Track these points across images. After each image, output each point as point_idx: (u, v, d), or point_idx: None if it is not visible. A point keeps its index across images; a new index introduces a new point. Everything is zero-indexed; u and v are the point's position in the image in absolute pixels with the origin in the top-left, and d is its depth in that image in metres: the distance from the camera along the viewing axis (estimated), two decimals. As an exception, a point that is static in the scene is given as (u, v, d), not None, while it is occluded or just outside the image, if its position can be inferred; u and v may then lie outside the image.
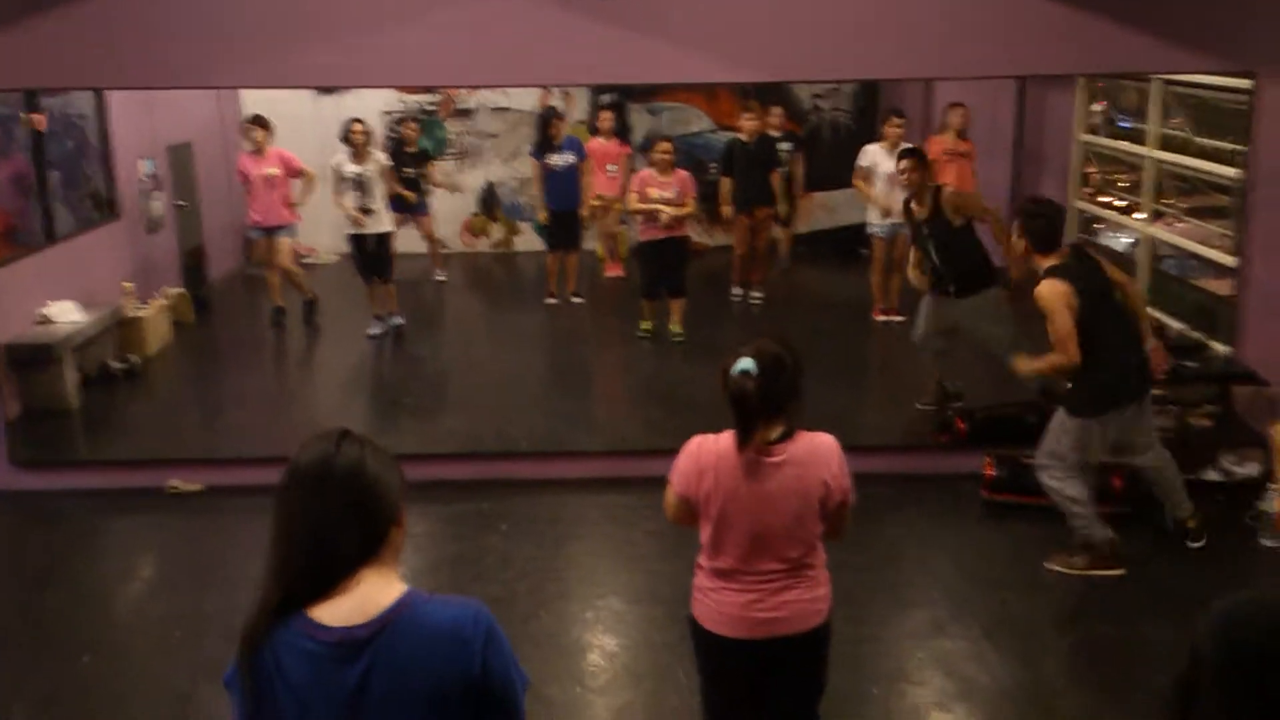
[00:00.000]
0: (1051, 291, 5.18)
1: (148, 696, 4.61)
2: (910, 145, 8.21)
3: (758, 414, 3.18)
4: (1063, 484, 5.50)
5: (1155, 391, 5.85)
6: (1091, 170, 10.58)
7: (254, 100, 10.87)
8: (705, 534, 3.34)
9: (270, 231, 9.44)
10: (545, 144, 9.83)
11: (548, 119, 9.96)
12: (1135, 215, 9.45)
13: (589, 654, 4.91)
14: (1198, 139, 8.44)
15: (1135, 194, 9.56)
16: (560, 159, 9.76)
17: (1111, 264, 5.60)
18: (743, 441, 3.21)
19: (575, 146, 9.93)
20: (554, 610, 5.26)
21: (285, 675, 1.98)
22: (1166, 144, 8.89)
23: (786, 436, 3.25)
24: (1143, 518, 5.92)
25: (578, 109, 11.88)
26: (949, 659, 4.83)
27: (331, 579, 1.99)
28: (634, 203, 8.79)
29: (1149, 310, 6.24)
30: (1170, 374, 6.23)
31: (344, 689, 1.97)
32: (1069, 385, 5.52)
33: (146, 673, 4.79)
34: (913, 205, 7.18)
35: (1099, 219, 10.48)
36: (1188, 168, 8.61)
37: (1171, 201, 9.01)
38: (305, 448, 2.07)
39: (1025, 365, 5.56)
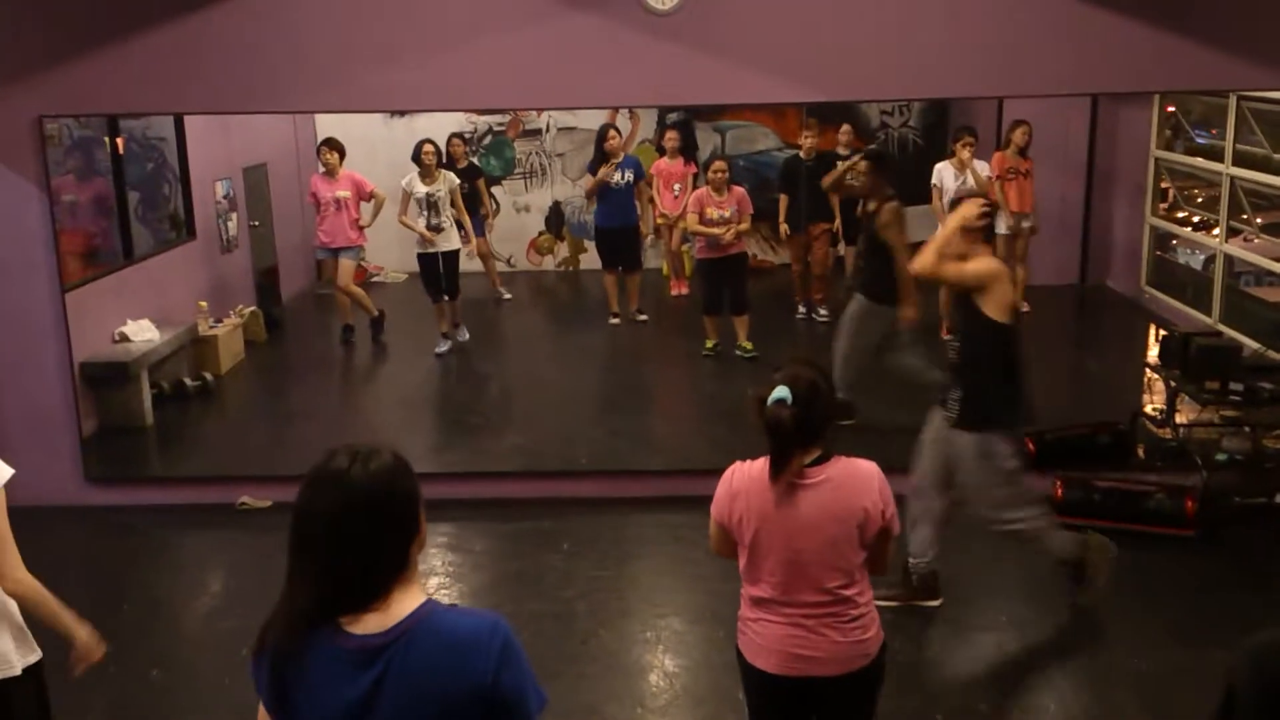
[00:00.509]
0: (991, 264, 4.92)
1: (213, 712, 4.68)
2: (872, 148, 8.78)
3: (794, 443, 3.15)
4: (1020, 510, 5.15)
5: (1229, 413, 5.71)
6: (1166, 186, 10.39)
7: (327, 123, 11.08)
8: (742, 562, 3.30)
9: (336, 252, 9.59)
10: (600, 160, 9.87)
11: (603, 135, 9.99)
12: (1213, 232, 9.26)
13: (649, 674, 4.90)
14: (1276, 155, 8.26)
15: (1211, 210, 9.37)
16: (617, 176, 9.79)
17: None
18: (777, 471, 3.17)
19: (634, 165, 9.96)
20: (614, 629, 5.26)
21: (306, 679, 2.01)
22: (1243, 160, 8.70)
23: (823, 459, 3.21)
24: (1209, 543, 5.78)
25: (643, 129, 11.92)
26: (1016, 685, 4.75)
27: (362, 598, 2.01)
28: (693, 224, 8.84)
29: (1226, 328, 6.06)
30: (1245, 395, 6.08)
31: (357, 694, 1.99)
32: (972, 398, 5.04)
33: (213, 687, 4.86)
34: (868, 206, 7.48)
35: (1174, 235, 10.28)
36: (1265, 184, 8.43)
37: (1247, 217, 8.81)
38: (324, 465, 2.07)
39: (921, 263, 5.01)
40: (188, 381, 8.46)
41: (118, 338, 7.85)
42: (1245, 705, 1.92)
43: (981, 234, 4.94)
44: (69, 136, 7.67)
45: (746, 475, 3.26)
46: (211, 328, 8.92)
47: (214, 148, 9.51)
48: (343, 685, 2.00)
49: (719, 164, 8.93)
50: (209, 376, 8.65)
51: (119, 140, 8.24)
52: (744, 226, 8.83)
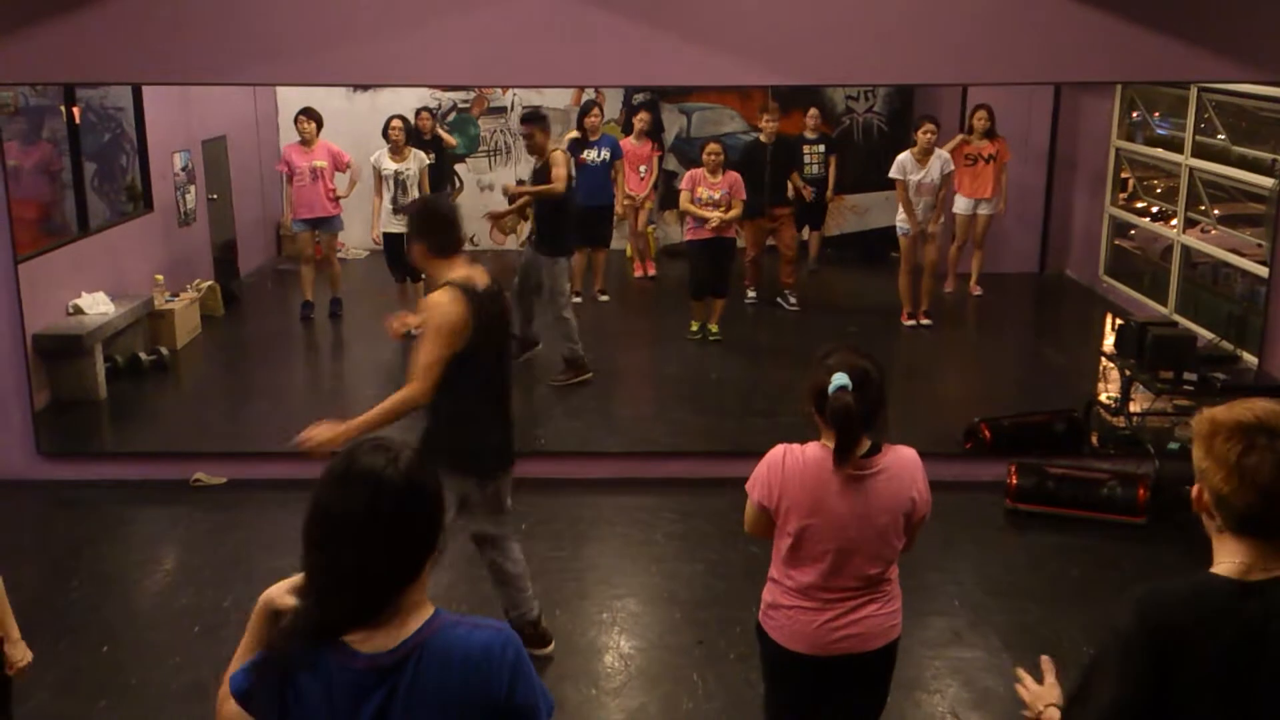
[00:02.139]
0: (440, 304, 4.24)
1: (165, 688, 4.65)
2: (533, 109, 9.29)
3: (860, 430, 3.12)
4: None
5: (1182, 402, 5.76)
6: (1126, 176, 10.49)
7: (288, 96, 10.95)
8: (783, 548, 3.26)
9: (314, 225, 9.49)
10: (580, 138, 9.82)
11: (585, 112, 9.94)
12: (1171, 223, 9.36)
13: (604, 655, 4.91)
14: (1236, 147, 8.35)
15: (1170, 201, 9.47)
16: (594, 154, 9.75)
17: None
18: (843, 459, 3.13)
19: (610, 144, 9.91)
20: (571, 610, 5.26)
21: (306, 697, 1.93)
22: (1203, 152, 8.79)
23: (876, 450, 3.20)
24: (1160, 531, 5.86)
25: (608, 109, 11.88)
26: (967, 668, 4.80)
27: (379, 610, 1.93)
28: (685, 202, 8.84)
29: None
30: (1199, 384, 6.16)
31: (368, 712, 1.92)
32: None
33: (164, 665, 4.82)
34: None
35: (1132, 225, 10.39)
36: (1224, 176, 8.52)
37: (1205, 208, 8.91)
38: (353, 463, 1.95)
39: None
40: (143, 356, 8.36)
41: (72, 310, 7.74)
42: (1128, 652, 2.07)
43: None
44: (24, 104, 7.54)
45: (800, 461, 3.20)
46: (168, 302, 8.81)
47: (173, 119, 9.38)
48: (352, 704, 1.91)
49: (714, 145, 8.89)
50: (164, 351, 8.55)
51: (75, 110, 8.10)
52: (735, 212, 8.81)
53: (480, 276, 4.33)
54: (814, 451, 3.21)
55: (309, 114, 9.39)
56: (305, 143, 9.34)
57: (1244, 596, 2.05)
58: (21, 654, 3.39)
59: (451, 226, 4.36)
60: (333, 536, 1.91)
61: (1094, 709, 2.11)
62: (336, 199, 9.47)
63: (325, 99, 9.77)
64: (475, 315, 4.21)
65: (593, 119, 9.81)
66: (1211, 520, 2.13)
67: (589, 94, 11.47)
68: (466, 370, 4.26)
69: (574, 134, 9.75)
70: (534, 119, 8.16)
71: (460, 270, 4.29)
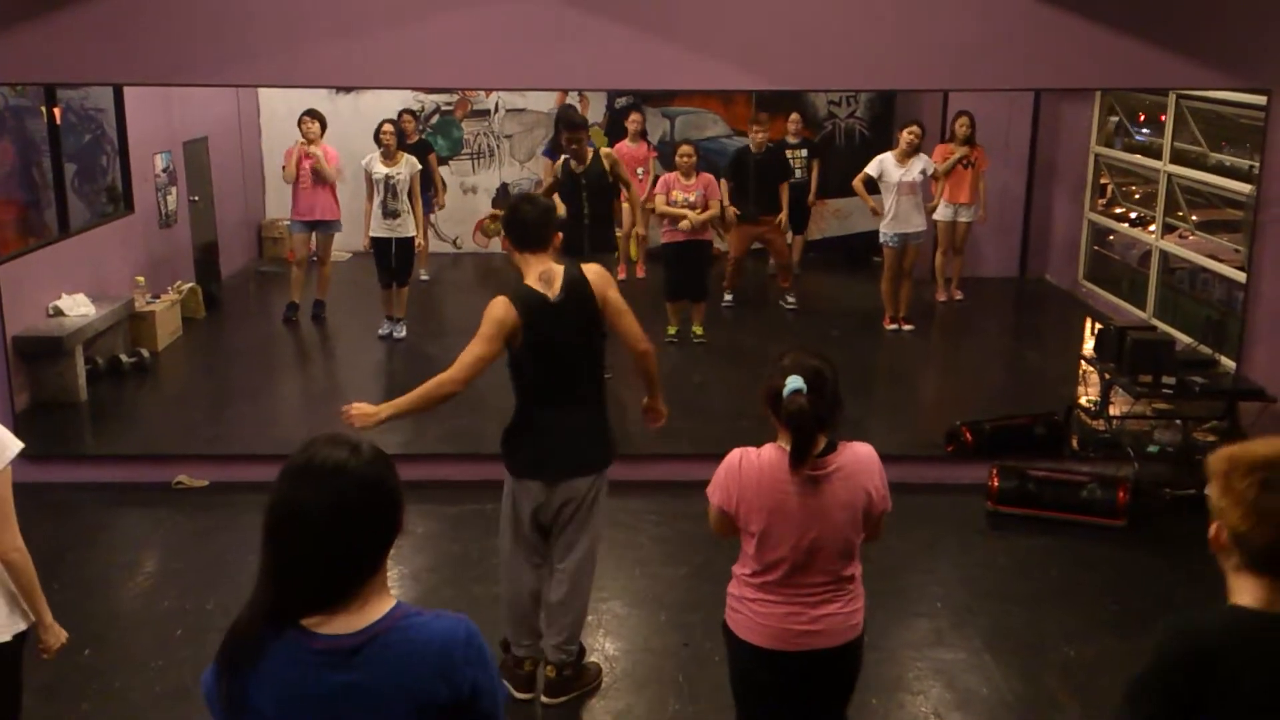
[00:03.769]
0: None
1: (148, 692, 4.63)
2: (571, 108, 9.04)
3: (816, 431, 3.15)
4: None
5: (1161, 406, 5.79)
6: (1106, 182, 10.57)
7: (270, 97, 10.93)
8: (749, 548, 3.29)
9: (312, 227, 9.45)
10: (559, 143, 9.79)
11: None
12: (1149, 228, 9.43)
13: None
14: (1213, 153, 8.42)
15: (1149, 206, 9.55)
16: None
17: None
18: (798, 461, 3.15)
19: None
20: (555, 613, 5.25)
21: (266, 683, 1.95)
22: (1181, 158, 8.87)
23: (831, 449, 3.23)
24: (1140, 533, 5.91)
25: (592, 112, 11.88)
26: (949, 669, 4.82)
27: (339, 598, 1.96)
28: (660, 205, 8.85)
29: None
30: (1177, 388, 6.21)
31: (326, 696, 1.94)
32: None
33: (147, 668, 4.80)
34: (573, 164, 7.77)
35: (1112, 231, 10.46)
36: (1201, 182, 8.59)
37: (1183, 214, 8.99)
38: (314, 456, 1.98)
39: None
40: (123, 358, 8.32)
41: (52, 311, 7.70)
42: (1163, 677, 2.10)
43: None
44: (3, 105, 7.50)
45: (756, 465, 3.24)
46: (149, 303, 8.77)
47: (154, 120, 9.34)
48: (309, 685, 1.94)
49: (686, 148, 8.94)
50: (145, 353, 8.51)
51: (56, 110, 8.06)
52: (711, 214, 8.84)
53: (556, 281, 4.28)
54: (769, 454, 3.24)
55: (313, 115, 9.35)
56: (309, 143, 9.31)
57: (1273, 627, 2.07)
58: (55, 637, 3.49)
59: (526, 225, 4.33)
60: (293, 528, 1.94)
61: None
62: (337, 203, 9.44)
63: (309, 101, 9.74)
64: (526, 322, 4.23)
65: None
66: (1229, 558, 2.13)
67: (572, 97, 11.49)
68: (520, 374, 4.37)
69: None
70: (583, 125, 7.97)
71: (538, 269, 4.30)
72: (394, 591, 5.49)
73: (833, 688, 3.46)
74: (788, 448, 3.18)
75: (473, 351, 4.25)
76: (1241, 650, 2.05)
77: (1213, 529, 2.13)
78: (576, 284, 4.29)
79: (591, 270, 4.35)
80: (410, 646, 1.97)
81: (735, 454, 3.30)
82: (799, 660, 3.31)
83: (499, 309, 4.26)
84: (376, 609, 1.99)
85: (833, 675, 3.42)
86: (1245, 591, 2.10)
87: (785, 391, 3.11)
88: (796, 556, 3.23)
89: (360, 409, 4.19)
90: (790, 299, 10.09)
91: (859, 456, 3.26)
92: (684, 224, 8.71)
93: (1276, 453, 2.06)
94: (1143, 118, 10.06)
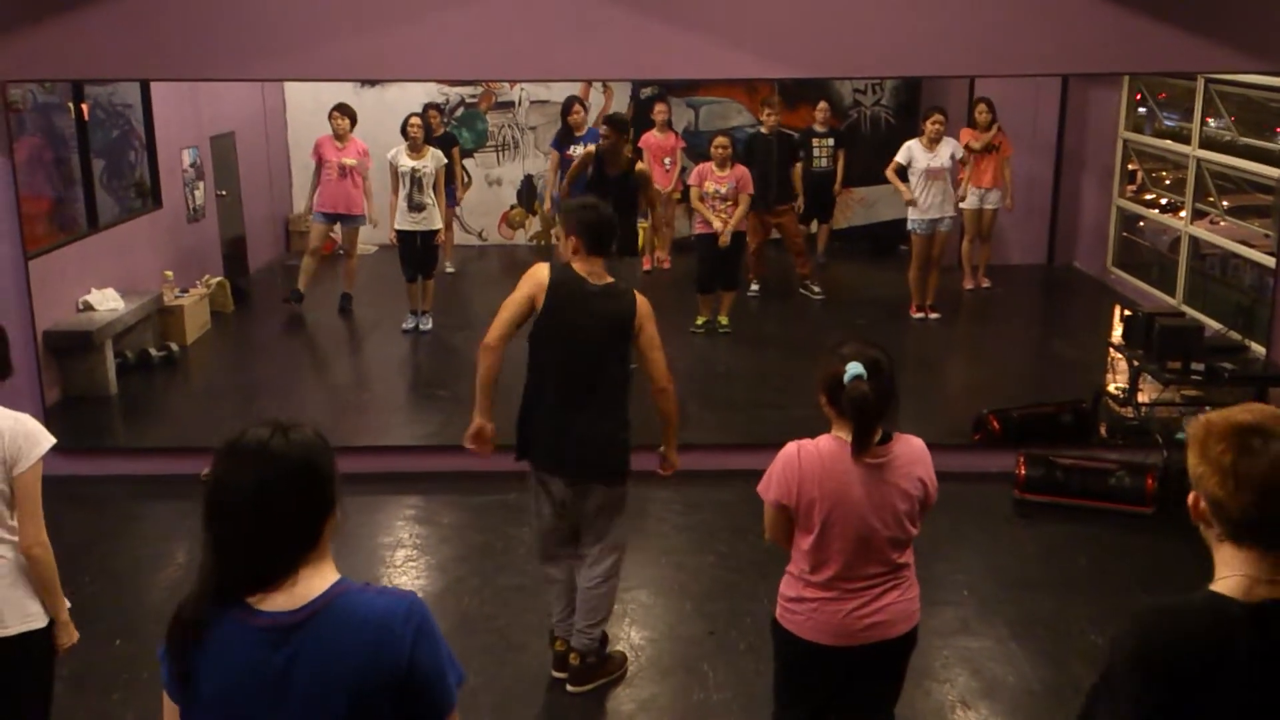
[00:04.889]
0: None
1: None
2: (617, 114, 8.67)
3: (877, 418, 3.15)
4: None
5: (1190, 393, 5.74)
6: (1134, 168, 10.47)
7: (296, 91, 10.97)
8: (805, 543, 3.26)
9: (334, 219, 9.49)
10: (566, 134, 9.79)
11: (568, 108, 9.90)
12: (1179, 214, 9.34)
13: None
14: (1243, 138, 8.33)
15: (1178, 192, 9.46)
16: (580, 149, 9.72)
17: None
18: (861, 448, 3.16)
19: (596, 138, 9.89)
20: (580, 602, 5.26)
21: (214, 658, 1.99)
22: (1211, 143, 8.78)
23: (888, 438, 3.23)
24: (1168, 521, 5.86)
25: (616, 102, 11.87)
26: (975, 657, 4.81)
27: (274, 574, 1.99)
28: (694, 198, 8.87)
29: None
30: (1206, 375, 6.15)
31: (269, 674, 1.97)
32: None
33: (177, 656, 4.84)
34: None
35: (1141, 217, 10.37)
36: (1231, 167, 8.50)
37: (1213, 200, 8.90)
38: (243, 436, 2.03)
39: None
40: (153, 351, 8.40)
41: (82, 306, 7.77)
42: (1133, 676, 1.99)
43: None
44: (33, 102, 7.56)
45: (816, 455, 3.22)
46: (177, 297, 8.84)
47: (181, 115, 9.40)
48: (254, 663, 1.97)
49: (722, 139, 8.91)
50: (174, 346, 8.59)
51: (84, 106, 8.13)
52: (741, 211, 8.82)
53: (598, 272, 4.34)
54: (828, 444, 3.23)
55: (344, 110, 9.40)
56: (338, 138, 9.35)
57: (1251, 622, 1.95)
58: (68, 636, 3.55)
59: (603, 229, 4.38)
60: (225, 506, 1.99)
61: None
62: (366, 198, 9.48)
63: (334, 95, 9.79)
64: (555, 293, 4.28)
65: (575, 115, 9.77)
66: (1210, 529, 2.04)
67: (596, 89, 11.48)
68: (535, 356, 4.46)
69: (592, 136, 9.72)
70: (625, 128, 7.83)
71: (590, 268, 4.35)
72: (419, 583, 5.54)
73: (888, 680, 3.44)
74: (845, 438, 3.18)
75: (501, 315, 4.38)
76: (1217, 649, 1.94)
77: (1190, 497, 2.05)
78: (622, 294, 4.36)
79: (642, 298, 4.41)
80: (348, 622, 1.98)
81: (792, 446, 3.27)
82: (863, 653, 3.30)
83: (536, 270, 4.38)
84: (317, 585, 2.00)
85: (891, 666, 3.40)
86: (1226, 569, 2.01)
87: (846, 378, 3.11)
88: (855, 547, 3.21)
89: (467, 438, 4.56)
90: (816, 288, 10.05)
91: (913, 447, 3.28)
92: (723, 239, 8.72)
93: (1254, 417, 1.98)
94: (1163, 96, 9.95)
